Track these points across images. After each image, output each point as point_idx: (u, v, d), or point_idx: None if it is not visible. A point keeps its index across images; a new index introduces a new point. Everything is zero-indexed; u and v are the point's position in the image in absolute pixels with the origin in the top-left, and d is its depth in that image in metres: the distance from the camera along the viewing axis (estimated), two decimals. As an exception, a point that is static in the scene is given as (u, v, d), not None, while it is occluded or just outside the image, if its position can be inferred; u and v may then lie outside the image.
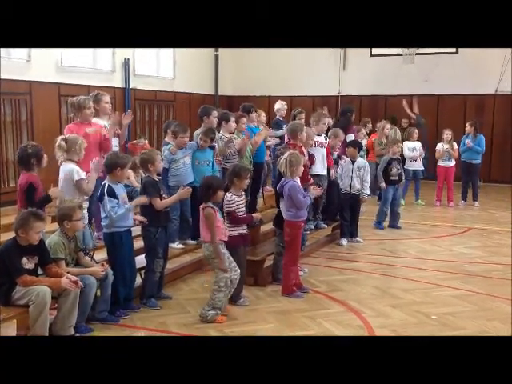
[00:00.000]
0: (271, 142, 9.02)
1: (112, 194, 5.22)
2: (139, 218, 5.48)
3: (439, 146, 11.45)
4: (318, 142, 7.60)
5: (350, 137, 9.01)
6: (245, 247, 5.79)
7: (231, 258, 5.38)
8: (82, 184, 5.37)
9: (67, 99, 6.63)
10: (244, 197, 5.82)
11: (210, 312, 5.25)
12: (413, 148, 11.22)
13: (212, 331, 5.00)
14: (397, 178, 9.25)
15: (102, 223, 5.37)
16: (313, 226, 7.82)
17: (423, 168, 11.45)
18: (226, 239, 5.34)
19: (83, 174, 5.39)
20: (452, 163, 11.35)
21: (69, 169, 5.39)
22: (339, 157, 8.38)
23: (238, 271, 5.40)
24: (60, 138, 5.50)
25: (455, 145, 11.36)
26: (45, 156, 5.34)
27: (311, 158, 7.36)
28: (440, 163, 11.43)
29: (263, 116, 9.22)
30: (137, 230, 5.77)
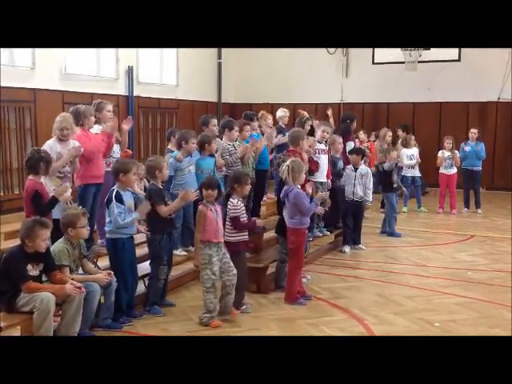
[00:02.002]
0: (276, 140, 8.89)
1: (119, 199, 5.26)
2: (142, 229, 5.49)
3: (440, 154, 11.48)
4: (320, 149, 7.63)
5: (350, 144, 9.02)
6: (242, 254, 5.78)
7: (226, 259, 5.41)
8: None
9: (71, 107, 6.65)
10: (244, 203, 5.84)
11: (205, 315, 5.34)
12: (411, 155, 11.26)
13: (215, 338, 5.01)
14: (397, 185, 9.28)
15: (106, 228, 5.40)
16: (320, 234, 7.84)
17: (421, 175, 11.48)
18: (217, 241, 5.33)
19: (55, 153, 5.55)
20: (454, 171, 11.36)
21: (46, 143, 5.64)
22: (345, 166, 8.37)
23: (233, 272, 5.41)
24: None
25: (457, 153, 11.38)
26: (41, 164, 5.34)
27: (316, 164, 7.40)
28: (442, 171, 11.45)
29: (269, 120, 9.23)
30: (142, 237, 5.78)
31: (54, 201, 5.17)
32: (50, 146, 5.61)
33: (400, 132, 12.96)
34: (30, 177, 5.27)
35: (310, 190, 6.00)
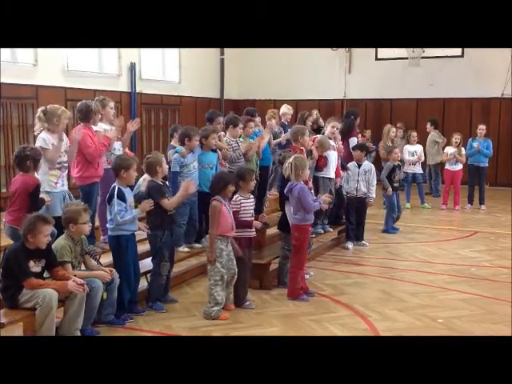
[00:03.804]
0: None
1: (121, 196, 5.24)
2: (142, 226, 5.48)
3: (447, 150, 11.44)
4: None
5: (353, 140, 8.99)
6: (249, 249, 5.80)
7: (232, 256, 5.49)
8: (46, 153, 5.49)
9: (74, 103, 6.65)
10: (253, 199, 5.82)
11: (214, 309, 5.38)
12: (413, 152, 11.24)
13: (217, 334, 5.00)
14: (398, 184, 9.25)
15: (108, 226, 5.39)
16: (322, 230, 7.82)
17: (422, 171, 11.46)
18: (230, 235, 5.45)
19: (50, 144, 5.52)
20: (459, 167, 11.32)
21: (39, 137, 5.58)
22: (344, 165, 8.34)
23: (234, 270, 5.52)
24: (40, 109, 5.74)
25: (463, 150, 11.33)
26: (41, 161, 5.38)
27: (324, 160, 7.38)
28: (447, 167, 11.43)
29: (273, 121, 9.15)
30: (143, 234, 5.78)
31: (42, 203, 5.23)
32: (45, 139, 5.57)
33: (428, 126, 12.96)
34: (24, 173, 5.24)
35: (325, 206, 6.03)
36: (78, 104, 6.17)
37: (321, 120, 9.24)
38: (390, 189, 9.06)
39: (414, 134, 11.54)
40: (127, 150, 7.01)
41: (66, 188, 5.75)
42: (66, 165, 5.75)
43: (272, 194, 9.05)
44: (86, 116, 6.01)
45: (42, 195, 5.32)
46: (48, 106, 5.74)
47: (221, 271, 5.39)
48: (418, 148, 11.35)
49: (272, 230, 7.60)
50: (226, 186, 5.44)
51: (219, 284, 5.39)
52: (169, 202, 5.51)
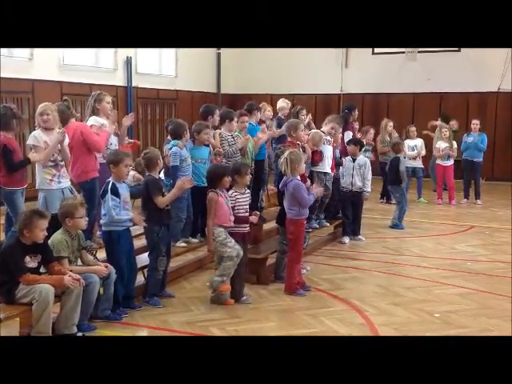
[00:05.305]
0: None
1: (115, 192, 5.22)
2: (137, 219, 5.43)
3: (439, 145, 11.44)
4: (325, 139, 7.62)
5: (348, 134, 8.98)
6: (245, 245, 5.81)
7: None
8: (37, 150, 5.56)
9: (70, 98, 6.65)
10: (248, 194, 5.83)
11: (216, 278, 5.54)
12: (413, 146, 11.23)
13: (214, 329, 5.00)
14: (403, 177, 9.26)
15: (101, 221, 5.37)
16: (317, 225, 7.81)
17: (423, 166, 11.47)
18: (230, 224, 5.52)
19: (42, 142, 5.57)
20: (450, 162, 11.32)
21: (31, 134, 5.69)
22: (341, 157, 8.34)
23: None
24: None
25: (455, 143, 11.33)
26: (14, 121, 5.59)
27: (320, 154, 7.37)
28: (438, 162, 11.44)
29: (268, 111, 9.15)
30: (140, 229, 5.77)
31: (25, 162, 5.51)
32: (36, 136, 5.59)
33: (439, 121, 12.90)
34: (2, 133, 5.44)
35: (319, 194, 6.03)
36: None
37: (312, 124, 9.21)
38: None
39: (413, 128, 11.53)
40: (127, 139, 7.00)
41: (66, 184, 5.72)
42: (62, 163, 5.73)
43: (269, 188, 9.05)
44: (63, 119, 6.01)
45: (30, 155, 5.51)
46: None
47: (235, 249, 5.50)
48: (419, 142, 11.33)
49: (269, 225, 7.61)
50: (221, 179, 5.51)
51: (234, 260, 5.51)
52: (161, 200, 5.49)
